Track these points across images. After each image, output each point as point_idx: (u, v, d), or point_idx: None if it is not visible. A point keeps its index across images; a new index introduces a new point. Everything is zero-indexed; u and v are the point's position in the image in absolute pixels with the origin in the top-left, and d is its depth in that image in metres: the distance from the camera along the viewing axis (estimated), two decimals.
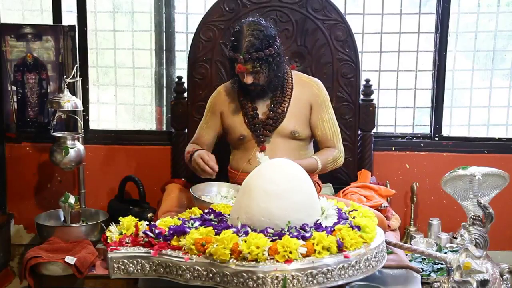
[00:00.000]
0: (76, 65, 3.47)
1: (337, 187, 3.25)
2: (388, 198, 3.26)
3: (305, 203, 2.25)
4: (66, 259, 2.75)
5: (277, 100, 2.90)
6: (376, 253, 2.22)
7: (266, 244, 2.05)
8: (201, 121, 3.09)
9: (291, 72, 2.98)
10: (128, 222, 2.37)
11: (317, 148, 3.02)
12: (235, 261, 2.06)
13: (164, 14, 3.64)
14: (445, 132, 3.63)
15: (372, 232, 2.26)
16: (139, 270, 2.24)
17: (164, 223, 2.36)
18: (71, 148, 3.29)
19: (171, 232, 2.24)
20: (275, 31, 2.83)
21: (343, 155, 2.99)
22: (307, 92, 2.95)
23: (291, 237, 2.09)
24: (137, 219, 2.39)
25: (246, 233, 2.14)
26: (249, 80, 2.77)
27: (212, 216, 2.42)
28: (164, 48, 3.67)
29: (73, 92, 3.39)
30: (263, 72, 2.76)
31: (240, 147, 2.97)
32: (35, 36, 3.52)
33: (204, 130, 3.05)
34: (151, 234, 2.26)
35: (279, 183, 2.23)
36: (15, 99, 3.57)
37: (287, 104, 2.90)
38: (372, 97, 3.40)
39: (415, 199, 3.53)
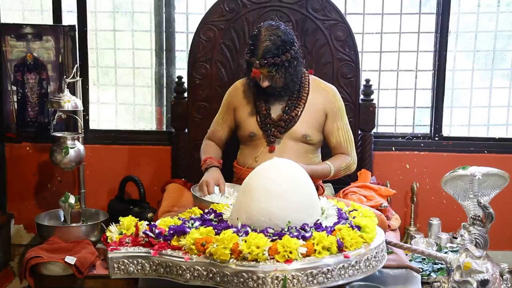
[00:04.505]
0: (76, 65, 3.47)
1: (337, 187, 3.25)
2: (388, 198, 3.25)
3: (305, 203, 2.25)
4: (66, 259, 2.75)
5: (292, 104, 2.90)
6: (376, 253, 2.22)
7: (266, 244, 2.05)
8: (217, 114, 3.12)
9: (308, 76, 2.98)
10: (128, 222, 2.37)
11: (325, 152, 3.02)
12: (235, 261, 2.06)
13: (164, 14, 3.63)
14: (445, 132, 3.63)
15: (372, 232, 2.26)
16: (139, 270, 2.24)
17: (164, 223, 2.36)
18: (71, 148, 3.29)
19: (171, 232, 2.24)
20: (293, 35, 2.83)
21: (356, 162, 3.01)
22: (322, 98, 2.95)
23: (291, 237, 2.09)
24: (137, 219, 2.39)
25: (246, 233, 2.14)
26: (265, 83, 2.79)
27: (212, 216, 2.42)
28: (164, 48, 3.67)
29: (73, 92, 3.39)
30: (279, 76, 2.77)
31: (249, 144, 2.98)
32: (35, 36, 3.52)
33: (219, 125, 3.09)
34: (151, 234, 2.26)
35: (279, 183, 2.23)
36: (15, 99, 3.56)
37: (301, 109, 2.91)
38: (372, 97, 3.40)
39: (415, 199, 3.52)
